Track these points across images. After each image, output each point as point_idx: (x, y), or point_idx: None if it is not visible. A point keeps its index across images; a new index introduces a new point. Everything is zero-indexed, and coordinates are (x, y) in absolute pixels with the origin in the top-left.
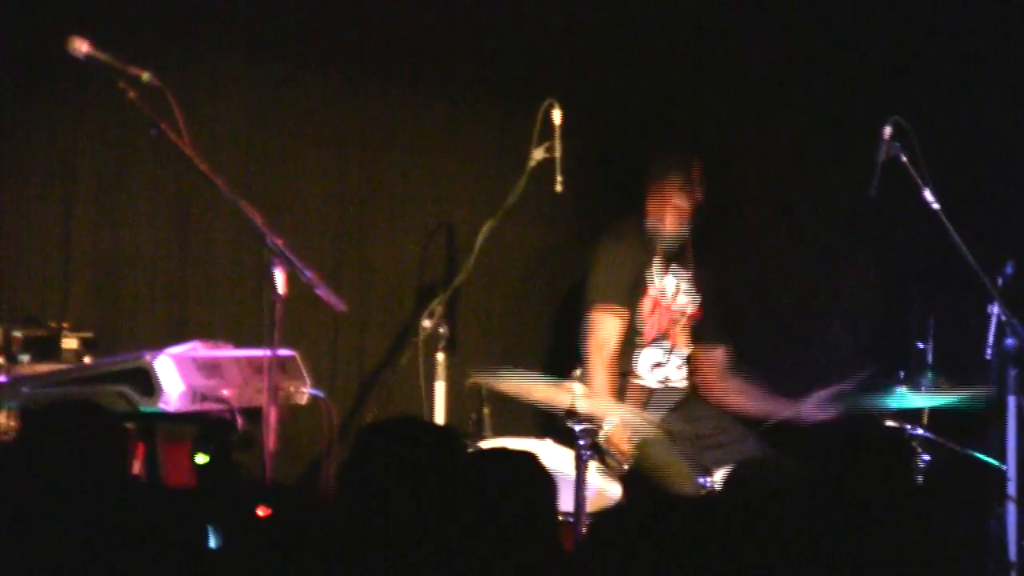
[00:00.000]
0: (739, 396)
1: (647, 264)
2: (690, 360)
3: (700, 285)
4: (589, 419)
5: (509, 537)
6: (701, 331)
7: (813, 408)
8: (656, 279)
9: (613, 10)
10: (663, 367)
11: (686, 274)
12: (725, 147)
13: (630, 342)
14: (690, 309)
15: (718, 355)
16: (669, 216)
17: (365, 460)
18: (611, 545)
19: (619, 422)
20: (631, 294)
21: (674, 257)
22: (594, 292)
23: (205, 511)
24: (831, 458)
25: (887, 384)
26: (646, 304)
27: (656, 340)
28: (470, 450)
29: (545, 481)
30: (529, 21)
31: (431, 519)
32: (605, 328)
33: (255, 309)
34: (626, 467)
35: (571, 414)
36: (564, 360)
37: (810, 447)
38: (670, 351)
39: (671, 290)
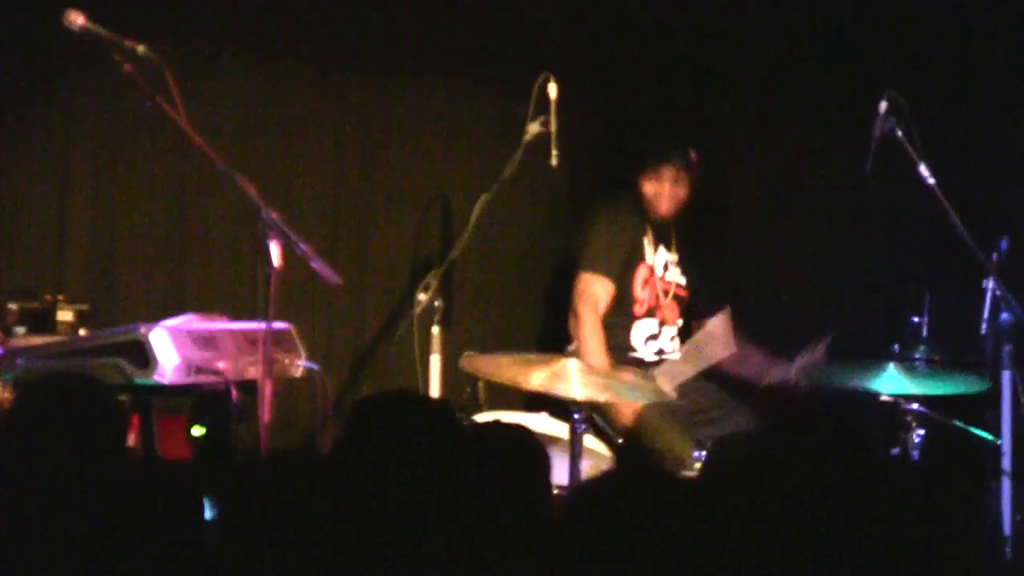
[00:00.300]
0: (742, 356)
1: (641, 236)
2: (685, 333)
3: (685, 266)
4: (586, 405)
5: (502, 510)
6: (698, 303)
7: (793, 371)
8: (648, 253)
9: None
10: (657, 340)
11: (672, 255)
12: (719, 125)
13: (625, 314)
14: (680, 283)
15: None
16: (666, 203)
17: (360, 434)
18: (588, 519)
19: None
20: (624, 265)
21: (663, 236)
22: (586, 260)
23: (201, 483)
24: (820, 435)
25: (880, 359)
26: (639, 275)
27: (648, 314)
28: (464, 424)
29: (538, 454)
30: None
31: (425, 493)
32: (594, 293)
33: (251, 282)
34: (620, 440)
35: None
36: (559, 334)
37: (799, 424)
38: (661, 324)
39: (660, 265)
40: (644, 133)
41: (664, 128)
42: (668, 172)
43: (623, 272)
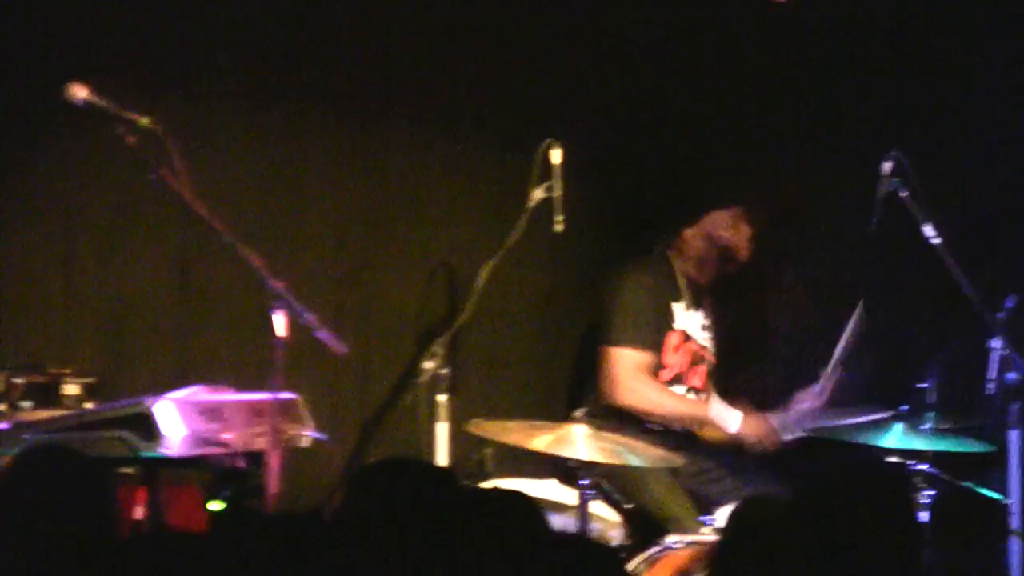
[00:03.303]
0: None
1: (674, 299)
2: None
3: (715, 330)
4: (591, 466)
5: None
6: (727, 369)
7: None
8: (681, 316)
9: (611, 48)
10: None
11: (705, 318)
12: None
13: None
14: (708, 348)
15: None
16: (747, 249)
17: (360, 500)
18: None
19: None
20: (657, 331)
21: (697, 297)
22: (617, 332)
23: (218, 556)
24: (826, 490)
25: (887, 420)
26: (671, 341)
27: (675, 380)
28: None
29: (534, 519)
30: (528, 61)
31: (424, 556)
32: (632, 366)
33: (257, 353)
34: (628, 506)
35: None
36: (565, 399)
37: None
38: (688, 392)
39: (695, 328)
40: (700, 179)
41: (725, 170)
42: (744, 215)
43: (655, 340)
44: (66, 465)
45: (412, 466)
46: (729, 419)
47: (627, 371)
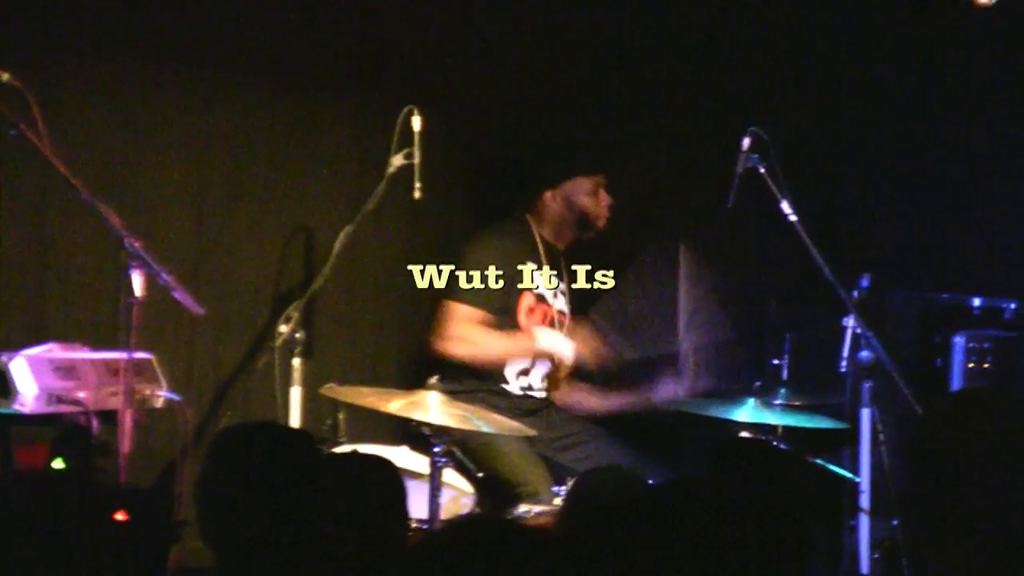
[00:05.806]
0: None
1: (529, 261)
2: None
3: (571, 294)
4: (444, 431)
5: (358, 541)
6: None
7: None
8: (537, 279)
9: (473, 15)
10: (527, 376)
11: (563, 283)
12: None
13: None
14: (563, 311)
15: None
16: (605, 214)
17: (219, 464)
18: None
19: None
20: (506, 295)
21: (555, 261)
22: (455, 287)
23: (62, 515)
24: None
25: (740, 395)
26: (524, 303)
27: None
28: (323, 453)
29: (395, 485)
30: (389, 26)
31: (283, 522)
32: (461, 325)
33: (112, 312)
34: (480, 474)
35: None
36: (422, 366)
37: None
38: (534, 359)
39: (550, 292)
40: (564, 145)
41: (576, 143)
42: (604, 184)
43: (505, 302)
44: None
45: (271, 430)
46: (561, 347)
47: (456, 322)
